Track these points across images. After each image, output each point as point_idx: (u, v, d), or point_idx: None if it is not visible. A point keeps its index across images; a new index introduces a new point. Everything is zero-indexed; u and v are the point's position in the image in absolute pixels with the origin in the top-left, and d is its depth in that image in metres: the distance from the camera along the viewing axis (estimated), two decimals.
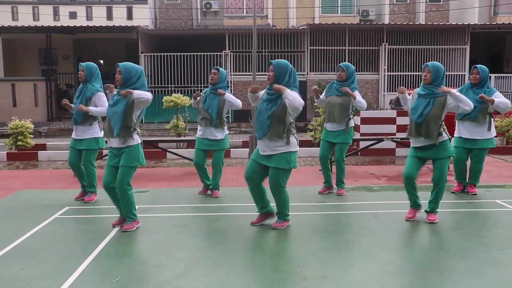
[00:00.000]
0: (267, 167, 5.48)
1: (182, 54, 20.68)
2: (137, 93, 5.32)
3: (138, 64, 21.51)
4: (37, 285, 4.12)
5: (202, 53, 20.79)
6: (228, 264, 4.61)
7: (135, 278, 4.25)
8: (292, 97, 5.15)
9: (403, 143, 10.66)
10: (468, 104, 5.61)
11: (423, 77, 5.75)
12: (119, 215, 5.77)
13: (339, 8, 25.63)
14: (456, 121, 7.13)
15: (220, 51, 21.01)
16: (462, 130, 7.02)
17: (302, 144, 12.81)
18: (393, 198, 7.07)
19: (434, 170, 5.86)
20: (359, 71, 21.75)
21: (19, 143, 11.47)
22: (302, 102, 5.22)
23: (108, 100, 6.11)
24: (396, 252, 4.94)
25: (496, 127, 12.15)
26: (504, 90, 20.82)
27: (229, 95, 6.96)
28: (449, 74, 21.57)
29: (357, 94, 6.97)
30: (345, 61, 21.28)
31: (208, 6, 25.05)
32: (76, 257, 4.74)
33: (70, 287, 4.06)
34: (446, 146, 5.74)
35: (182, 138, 12.09)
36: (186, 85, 20.77)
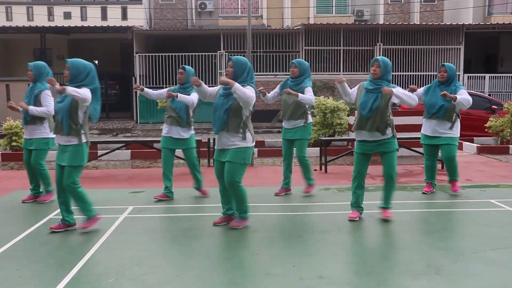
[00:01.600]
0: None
1: (177, 54, 20.66)
2: (70, 89, 5.15)
3: (133, 64, 21.44)
4: (32, 286, 4.11)
5: (197, 53, 20.78)
6: (224, 264, 4.62)
7: (131, 279, 4.24)
8: (241, 91, 5.18)
9: (399, 143, 10.67)
10: (412, 99, 5.69)
11: (372, 72, 5.80)
12: (118, 215, 5.74)
13: (334, 8, 25.67)
14: (424, 119, 7.14)
15: (215, 51, 21.01)
16: (428, 128, 7.06)
17: None
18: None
19: (385, 165, 5.89)
20: (354, 71, 21.81)
21: (14, 143, 11.42)
22: (253, 96, 5.29)
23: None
24: (392, 252, 4.95)
25: (489, 127, 12.22)
26: (498, 90, 20.86)
27: (180, 95, 6.83)
28: None
29: (308, 91, 6.92)
30: (340, 61, 21.36)
31: (202, 6, 25.04)
32: (71, 257, 4.73)
33: (66, 287, 4.05)
34: (393, 140, 5.87)
35: None
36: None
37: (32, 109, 6.41)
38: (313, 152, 11.71)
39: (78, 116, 5.36)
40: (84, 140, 5.43)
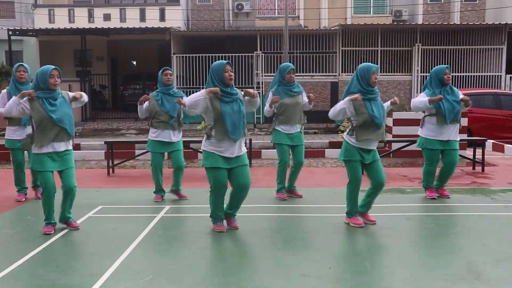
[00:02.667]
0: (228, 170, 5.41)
1: (214, 55, 20.79)
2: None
3: (171, 65, 21.67)
4: (72, 282, 4.19)
5: (233, 54, 20.86)
6: (259, 263, 4.62)
7: (168, 277, 4.28)
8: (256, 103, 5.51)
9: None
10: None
11: (374, 80, 5.56)
12: (155, 214, 5.79)
13: (371, 8, 25.41)
14: (437, 126, 6.79)
15: (252, 52, 21.05)
16: (445, 133, 6.80)
17: (333, 145, 12.75)
18: (426, 200, 6.94)
19: (379, 171, 5.65)
20: (391, 72, 21.52)
21: None
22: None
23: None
24: (430, 256, 4.85)
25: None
26: None
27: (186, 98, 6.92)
28: (484, 75, 21.15)
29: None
30: (377, 62, 21.10)
31: (240, 7, 25.13)
32: (110, 255, 4.81)
33: (104, 284, 4.12)
34: None
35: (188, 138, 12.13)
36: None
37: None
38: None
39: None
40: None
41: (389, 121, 11.97)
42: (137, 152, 11.23)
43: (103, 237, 5.45)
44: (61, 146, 5.47)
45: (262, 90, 20.33)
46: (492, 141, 12.24)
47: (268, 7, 25.65)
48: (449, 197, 6.99)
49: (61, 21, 23.29)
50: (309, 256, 4.79)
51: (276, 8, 25.55)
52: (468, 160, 9.81)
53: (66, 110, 5.49)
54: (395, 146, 10.75)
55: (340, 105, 5.57)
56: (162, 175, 7.09)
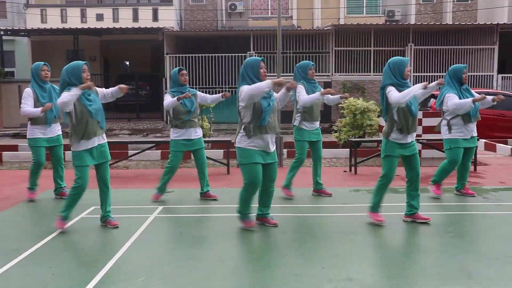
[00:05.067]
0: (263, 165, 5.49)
1: (207, 55, 20.77)
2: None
3: (164, 65, 21.61)
4: (65, 283, 4.18)
5: (227, 54, 20.85)
6: (252, 264, 4.62)
7: (161, 278, 4.28)
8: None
9: (430, 145, 10.53)
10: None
11: (407, 73, 5.69)
12: (148, 215, 5.80)
13: (364, 8, 25.46)
14: (462, 124, 6.85)
15: (245, 52, 21.04)
16: (470, 131, 6.88)
17: (327, 145, 12.77)
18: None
19: (415, 167, 5.80)
20: None
21: None
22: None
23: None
24: (424, 254, 4.87)
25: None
26: None
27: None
28: (476, 75, 21.24)
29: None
30: (370, 62, 21.16)
31: (233, 7, 25.12)
32: (102, 256, 4.80)
33: (96, 285, 4.11)
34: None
35: (207, 138, 12.13)
36: (211, 85, 20.85)
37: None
38: (342, 153, 11.64)
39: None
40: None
41: (381, 121, 11.99)
42: (130, 152, 11.21)
43: (96, 238, 5.44)
44: (100, 140, 5.59)
45: None
46: (484, 140, 12.29)
47: (261, 7, 25.66)
48: (474, 196, 7.09)
49: (53, 21, 23.19)
50: (302, 256, 4.80)
51: (269, 8, 25.56)
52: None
53: (100, 104, 5.63)
54: None
55: (414, 90, 5.46)
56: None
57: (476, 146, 7.06)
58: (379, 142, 11.44)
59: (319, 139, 7.15)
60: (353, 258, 4.75)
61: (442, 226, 5.80)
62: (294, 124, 7.07)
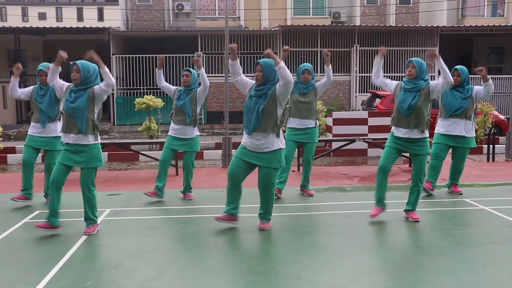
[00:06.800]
0: (253, 165, 5.48)
1: (154, 55, 20.53)
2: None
3: (110, 66, 21.24)
4: None
5: (174, 55, 20.69)
6: (202, 266, 4.61)
7: (108, 282, 4.21)
8: (285, 70, 5.21)
9: (375, 144, 10.78)
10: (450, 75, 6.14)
11: (407, 73, 5.96)
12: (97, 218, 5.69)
13: (311, 9, 25.77)
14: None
15: (193, 52, 20.93)
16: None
17: None
18: (365, 198, 7.13)
19: (415, 167, 6.00)
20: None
21: None
22: (293, 81, 5.33)
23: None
24: (369, 252, 5.00)
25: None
26: None
27: (202, 71, 7.12)
28: None
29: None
30: (317, 62, 21.47)
31: (180, 7, 24.95)
32: (48, 261, 4.68)
33: None
34: (427, 143, 5.95)
35: (155, 140, 12.02)
36: (158, 87, 20.62)
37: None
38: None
39: (94, 112, 5.46)
40: (99, 138, 5.55)
41: (328, 121, 12.22)
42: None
43: (40, 243, 5.29)
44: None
45: None
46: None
47: (209, 8, 25.58)
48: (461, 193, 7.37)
49: None
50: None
51: (217, 8, 25.51)
52: (405, 158, 10.14)
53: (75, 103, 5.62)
54: (335, 145, 10.97)
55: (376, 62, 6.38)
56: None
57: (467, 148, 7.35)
58: (326, 141, 11.64)
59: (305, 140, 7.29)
60: (301, 256, 4.81)
61: (386, 224, 5.94)
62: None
